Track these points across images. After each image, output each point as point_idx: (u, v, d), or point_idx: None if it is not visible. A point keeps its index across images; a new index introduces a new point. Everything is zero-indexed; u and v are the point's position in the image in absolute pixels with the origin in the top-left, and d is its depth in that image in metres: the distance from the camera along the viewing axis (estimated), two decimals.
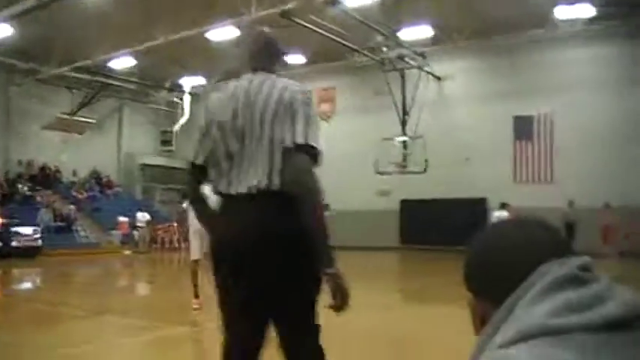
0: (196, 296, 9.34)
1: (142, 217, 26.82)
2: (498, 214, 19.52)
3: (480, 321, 1.12)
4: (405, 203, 26.80)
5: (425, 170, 22.92)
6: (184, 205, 11.11)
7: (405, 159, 23.85)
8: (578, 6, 20.99)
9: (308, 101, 2.73)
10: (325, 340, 2.80)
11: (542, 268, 1.02)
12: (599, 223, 20.75)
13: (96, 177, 31.02)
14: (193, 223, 8.75)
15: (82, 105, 28.02)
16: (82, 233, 26.56)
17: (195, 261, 9.26)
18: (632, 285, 1.05)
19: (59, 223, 25.72)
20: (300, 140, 2.62)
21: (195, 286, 9.34)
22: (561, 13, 21.78)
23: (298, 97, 2.71)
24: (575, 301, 0.95)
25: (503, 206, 19.75)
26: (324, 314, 2.71)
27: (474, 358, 1.03)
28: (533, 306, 0.97)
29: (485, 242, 1.15)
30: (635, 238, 20.14)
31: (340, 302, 2.55)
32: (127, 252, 25.31)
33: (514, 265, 1.06)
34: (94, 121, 29.02)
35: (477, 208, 23.57)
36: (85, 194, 29.05)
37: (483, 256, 1.13)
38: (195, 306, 9.30)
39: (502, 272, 1.07)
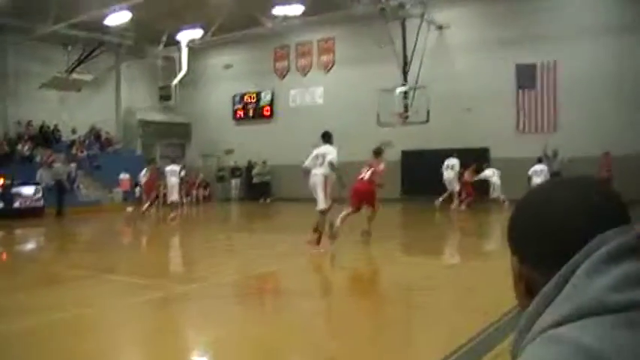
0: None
1: (172, 170, 20.46)
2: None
3: (525, 287, 1.03)
4: (406, 154, 26.64)
5: (427, 121, 22.63)
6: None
7: (406, 110, 23.55)
8: None
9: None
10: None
11: (602, 236, 0.92)
12: (599, 171, 20.55)
13: (95, 134, 30.74)
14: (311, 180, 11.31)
15: (79, 62, 27.60)
16: (84, 192, 26.48)
17: (322, 211, 11.08)
18: None
19: None
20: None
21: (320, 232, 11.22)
22: None
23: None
24: (634, 274, 0.87)
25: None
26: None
27: (520, 334, 0.95)
28: (591, 278, 0.88)
29: (538, 203, 1.04)
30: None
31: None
32: (130, 209, 25.09)
33: (571, 231, 0.96)
34: (90, 78, 28.62)
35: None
36: (85, 152, 28.83)
37: (535, 218, 1.01)
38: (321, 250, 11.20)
39: (556, 237, 0.97)
